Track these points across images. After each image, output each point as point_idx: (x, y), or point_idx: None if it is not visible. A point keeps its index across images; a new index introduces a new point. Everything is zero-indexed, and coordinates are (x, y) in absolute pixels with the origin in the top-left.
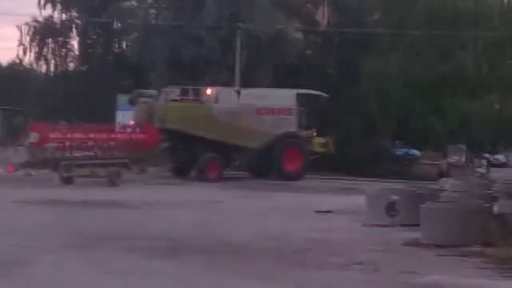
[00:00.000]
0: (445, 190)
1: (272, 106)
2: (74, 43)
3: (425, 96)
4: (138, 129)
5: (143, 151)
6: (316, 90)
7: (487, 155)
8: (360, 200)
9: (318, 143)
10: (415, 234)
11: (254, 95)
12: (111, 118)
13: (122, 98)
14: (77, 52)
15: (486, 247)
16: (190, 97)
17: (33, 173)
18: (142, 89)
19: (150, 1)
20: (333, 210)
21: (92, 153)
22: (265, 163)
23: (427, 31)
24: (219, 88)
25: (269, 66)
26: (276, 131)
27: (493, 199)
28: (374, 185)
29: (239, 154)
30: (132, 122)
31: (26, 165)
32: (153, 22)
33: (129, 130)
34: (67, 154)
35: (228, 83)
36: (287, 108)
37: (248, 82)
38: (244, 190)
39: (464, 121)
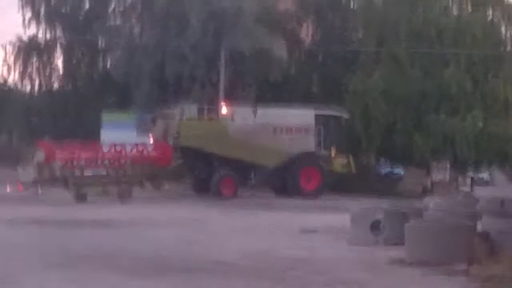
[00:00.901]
0: (430, 208)
1: (289, 125)
2: (59, 61)
3: (408, 113)
4: (151, 147)
5: (156, 169)
6: (335, 109)
7: (471, 173)
8: (344, 219)
9: (340, 163)
10: (400, 253)
11: (271, 114)
12: (96, 136)
13: (107, 116)
14: (61, 71)
15: (471, 266)
16: (206, 115)
17: (40, 191)
18: (162, 108)
19: (134, 19)
20: (317, 229)
21: (103, 171)
22: (282, 182)
23: (410, 48)
24: (235, 106)
25: (253, 82)
26: (293, 149)
27: (478, 217)
28: (358, 204)
29: (255, 172)
30: (151, 140)
31: (34, 183)
32: (138, 40)
33: (141, 148)
34: (77, 172)
35: (212, 100)
36: (305, 127)
37: (232, 99)
38: (229, 207)
39: (448, 138)
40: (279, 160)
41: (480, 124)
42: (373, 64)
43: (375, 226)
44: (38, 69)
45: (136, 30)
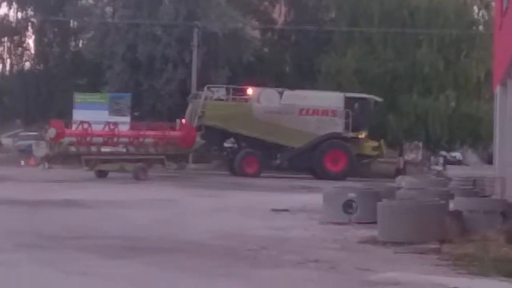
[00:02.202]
0: (402, 187)
1: (316, 107)
2: (30, 42)
3: (381, 94)
4: (174, 127)
5: (179, 148)
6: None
7: (443, 152)
8: (317, 199)
9: (371, 146)
10: (372, 232)
11: (297, 96)
12: (69, 117)
13: (79, 96)
14: (33, 51)
15: (443, 244)
16: (232, 96)
17: (46, 166)
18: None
19: (106, 0)
20: (290, 209)
21: (123, 149)
22: (308, 163)
23: (382, 28)
24: (261, 88)
25: (226, 63)
26: (319, 131)
27: (450, 196)
28: (331, 184)
29: (280, 153)
30: (183, 121)
31: (45, 159)
32: (110, 20)
33: (164, 128)
34: (92, 149)
35: (185, 81)
36: (332, 109)
37: (204, 80)
38: (203, 189)
39: (420, 118)
40: (305, 142)
41: (453, 104)
42: (346, 44)
43: (347, 206)
44: (9, 49)
45: (108, 10)
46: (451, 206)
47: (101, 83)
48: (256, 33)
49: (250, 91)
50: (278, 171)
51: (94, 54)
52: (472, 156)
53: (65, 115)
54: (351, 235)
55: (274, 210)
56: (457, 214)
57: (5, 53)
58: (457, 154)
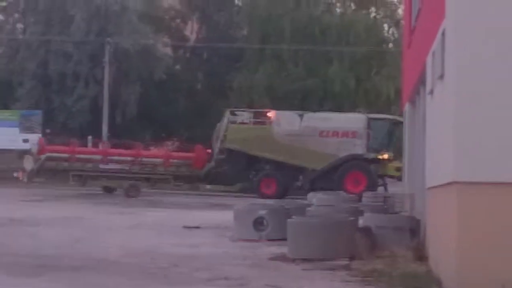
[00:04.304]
0: (313, 204)
1: (336, 128)
2: None
3: (293, 110)
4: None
5: (192, 169)
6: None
7: None
8: (228, 216)
9: (394, 166)
10: (283, 249)
11: (317, 118)
12: None
13: None
14: None
15: (352, 261)
16: (253, 120)
17: (25, 179)
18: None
19: (17, 15)
20: (201, 226)
21: (126, 167)
22: (329, 184)
23: (293, 45)
24: (281, 111)
25: (138, 80)
26: (339, 153)
27: (360, 212)
28: (243, 201)
29: (301, 175)
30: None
31: (30, 172)
32: (21, 36)
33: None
34: (78, 166)
35: (96, 98)
36: (352, 131)
37: (116, 97)
38: (117, 206)
39: None
40: (325, 163)
41: None
42: (257, 61)
43: (258, 223)
44: None
45: (19, 26)
46: (361, 222)
47: (12, 99)
48: (168, 50)
49: (270, 114)
50: (195, 189)
51: (4, 71)
52: None
53: None
54: (262, 252)
55: (186, 227)
56: (366, 231)
57: None
58: None
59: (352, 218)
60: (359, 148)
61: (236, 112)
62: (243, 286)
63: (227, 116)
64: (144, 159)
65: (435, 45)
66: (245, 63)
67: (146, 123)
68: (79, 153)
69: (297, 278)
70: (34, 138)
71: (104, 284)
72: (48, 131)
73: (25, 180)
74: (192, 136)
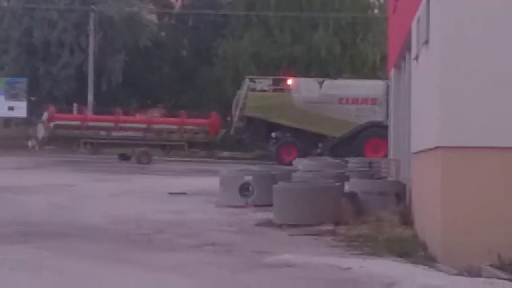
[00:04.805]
0: (298, 170)
1: (356, 96)
2: None
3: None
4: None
5: (207, 136)
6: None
7: None
8: (214, 182)
9: None
10: (268, 215)
11: (337, 86)
12: None
13: None
14: None
15: (338, 226)
16: (272, 87)
17: (36, 147)
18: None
19: None
20: (187, 192)
21: (140, 134)
22: (348, 151)
23: (279, 12)
24: (300, 78)
25: (123, 48)
26: (359, 120)
27: (345, 178)
28: (229, 167)
29: (321, 143)
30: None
31: (42, 140)
32: (5, 4)
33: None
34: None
35: (81, 66)
36: (372, 98)
37: (101, 65)
38: (102, 173)
39: None
40: (345, 131)
41: None
42: (243, 28)
43: (244, 189)
44: None
45: None
46: (347, 188)
47: None
48: (153, 18)
49: (290, 81)
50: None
51: None
52: None
53: None
54: (248, 218)
55: (171, 193)
56: (352, 196)
57: None
58: None
59: (338, 184)
60: (378, 115)
61: (256, 80)
62: (229, 252)
63: (246, 83)
64: (158, 126)
65: (420, 10)
66: (231, 29)
67: (131, 90)
68: (91, 120)
69: (283, 244)
70: (21, 105)
71: (89, 251)
72: (33, 99)
73: (36, 148)
74: (178, 103)
